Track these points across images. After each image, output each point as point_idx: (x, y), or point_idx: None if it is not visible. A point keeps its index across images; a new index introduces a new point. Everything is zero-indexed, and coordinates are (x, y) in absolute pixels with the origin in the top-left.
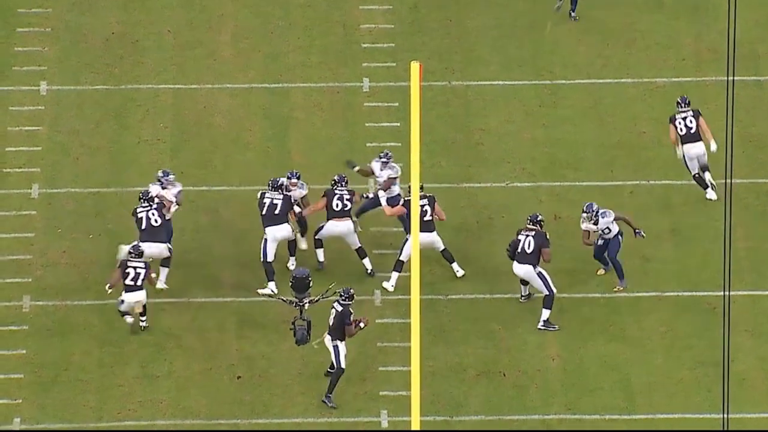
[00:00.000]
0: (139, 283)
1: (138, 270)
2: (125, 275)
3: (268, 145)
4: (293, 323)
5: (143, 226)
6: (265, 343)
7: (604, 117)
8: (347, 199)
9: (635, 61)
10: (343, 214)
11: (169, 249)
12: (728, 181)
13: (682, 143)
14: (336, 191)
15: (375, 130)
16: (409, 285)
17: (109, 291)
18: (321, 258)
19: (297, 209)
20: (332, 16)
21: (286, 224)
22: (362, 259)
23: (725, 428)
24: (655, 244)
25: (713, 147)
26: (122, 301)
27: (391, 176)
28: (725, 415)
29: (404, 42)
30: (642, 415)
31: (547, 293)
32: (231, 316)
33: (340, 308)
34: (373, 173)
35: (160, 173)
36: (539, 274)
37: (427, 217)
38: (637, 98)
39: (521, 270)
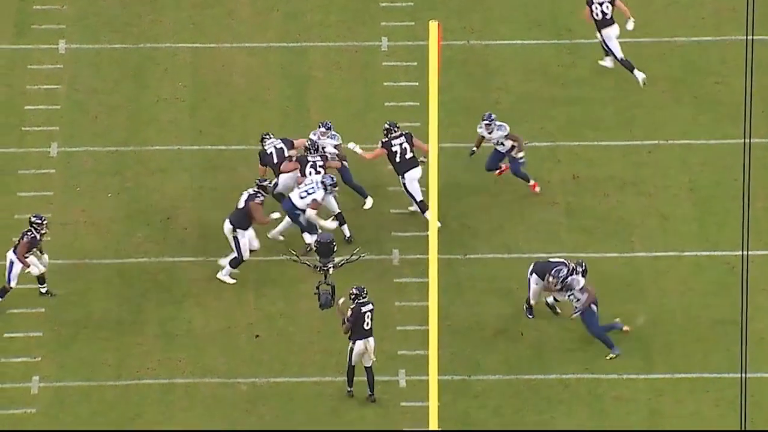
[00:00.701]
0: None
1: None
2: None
3: (286, 104)
4: (318, 288)
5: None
6: (284, 302)
7: (623, 76)
8: (320, 166)
9: (654, 20)
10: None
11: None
12: (747, 140)
13: (599, 29)
14: (308, 158)
15: (393, 90)
16: (426, 244)
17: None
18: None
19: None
20: None
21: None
22: (342, 225)
23: (743, 387)
24: (673, 203)
25: (630, 25)
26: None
27: (504, 135)
28: (743, 375)
29: (423, 1)
30: (660, 374)
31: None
32: (250, 274)
33: (372, 306)
34: (483, 139)
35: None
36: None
37: (409, 154)
38: (656, 57)
39: (532, 275)
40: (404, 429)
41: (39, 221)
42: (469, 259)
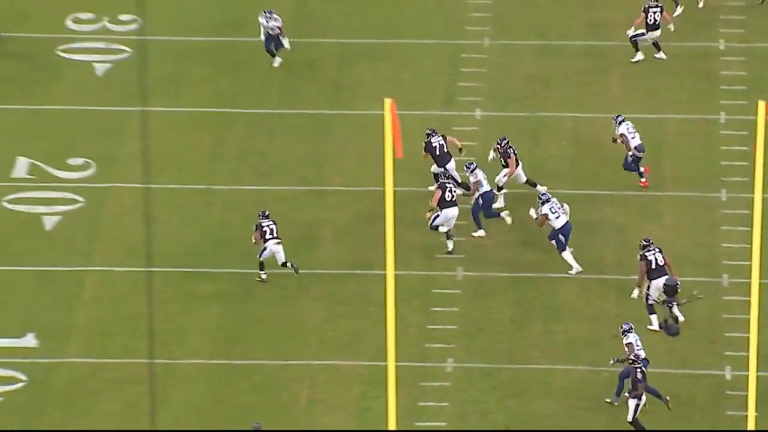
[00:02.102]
0: (276, 235)
1: (271, 226)
2: (263, 233)
3: (646, 162)
4: (665, 321)
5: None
6: (637, 310)
7: None
8: (452, 191)
9: None
10: (453, 203)
11: None
12: None
13: (648, 30)
14: (447, 185)
15: (728, 152)
16: (750, 271)
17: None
18: (449, 247)
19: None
20: (698, 66)
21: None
22: (448, 239)
23: None
24: None
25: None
26: (264, 250)
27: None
28: None
29: (754, 85)
30: None
31: None
32: (611, 289)
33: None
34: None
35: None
36: None
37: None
38: None
39: None
40: (728, 412)
41: (264, 218)
42: None
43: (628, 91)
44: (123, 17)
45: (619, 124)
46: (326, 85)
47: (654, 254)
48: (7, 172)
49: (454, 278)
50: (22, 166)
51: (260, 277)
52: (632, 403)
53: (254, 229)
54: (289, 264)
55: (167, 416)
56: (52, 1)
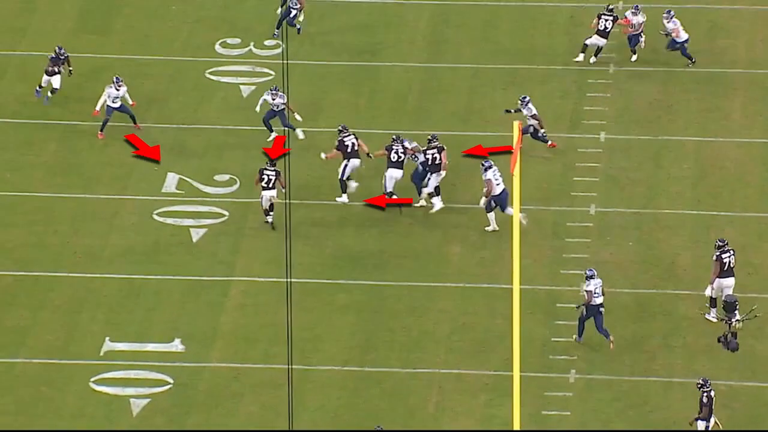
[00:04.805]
0: (271, 185)
1: (270, 176)
2: (262, 179)
3: (765, 185)
4: (725, 337)
5: None
6: (752, 324)
7: None
8: (402, 152)
9: None
10: (400, 165)
11: None
12: None
13: (598, 36)
14: (393, 146)
15: None
16: None
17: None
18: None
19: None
20: None
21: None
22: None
23: None
24: None
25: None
26: (262, 197)
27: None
28: None
29: None
30: None
31: None
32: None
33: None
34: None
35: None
36: None
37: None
38: None
39: None
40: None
41: (269, 167)
42: None
43: (748, 116)
44: (268, 42)
45: (526, 105)
46: (458, 107)
47: (729, 257)
48: (158, 186)
49: (578, 293)
50: (171, 181)
51: (267, 221)
52: (701, 424)
53: (258, 173)
54: (269, 218)
55: (304, 418)
56: (202, 27)
